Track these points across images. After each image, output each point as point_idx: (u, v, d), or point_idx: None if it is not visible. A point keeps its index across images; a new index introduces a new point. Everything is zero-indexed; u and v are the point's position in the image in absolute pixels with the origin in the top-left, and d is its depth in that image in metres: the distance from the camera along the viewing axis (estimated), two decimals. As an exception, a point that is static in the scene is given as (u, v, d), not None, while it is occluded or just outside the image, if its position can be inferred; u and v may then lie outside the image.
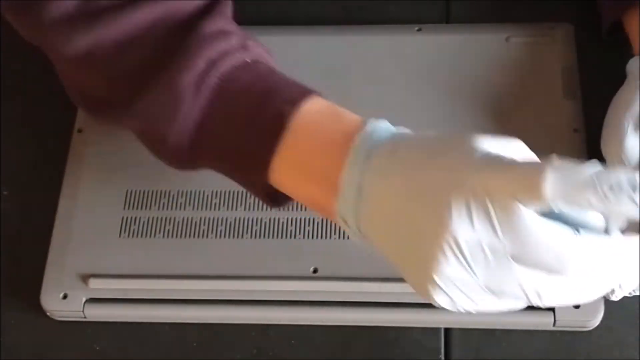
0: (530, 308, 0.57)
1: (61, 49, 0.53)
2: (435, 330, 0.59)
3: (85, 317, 0.60)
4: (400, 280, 0.59)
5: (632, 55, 0.62)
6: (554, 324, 0.57)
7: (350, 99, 0.66)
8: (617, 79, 0.64)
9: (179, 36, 0.51)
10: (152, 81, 0.51)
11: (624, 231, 0.41)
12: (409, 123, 0.65)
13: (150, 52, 0.52)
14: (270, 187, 0.50)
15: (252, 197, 0.62)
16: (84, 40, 0.52)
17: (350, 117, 0.49)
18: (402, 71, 0.67)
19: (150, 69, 0.51)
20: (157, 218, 0.62)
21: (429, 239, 0.41)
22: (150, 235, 0.61)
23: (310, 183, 0.48)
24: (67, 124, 0.67)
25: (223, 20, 0.53)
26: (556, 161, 0.39)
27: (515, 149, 0.42)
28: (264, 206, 0.61)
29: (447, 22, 0.72)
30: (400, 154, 0.44)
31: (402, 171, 0.43)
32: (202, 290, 0.59)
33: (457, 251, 0.40)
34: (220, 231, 0.61)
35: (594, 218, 0.41)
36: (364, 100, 0.66)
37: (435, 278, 0.41)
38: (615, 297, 0.49)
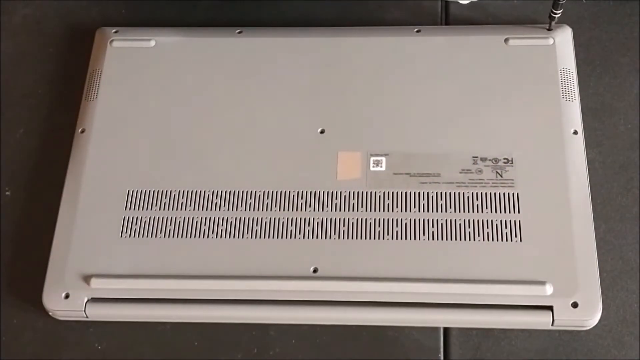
0: (529, 308, 0.57)
1: None
2: (435, 330, 0.60)
3: (86, 317, 0.60)
4: (400, 280, 0.60)
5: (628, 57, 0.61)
6: (552, 324, 0.57)
7: (350, 100, 0.67)
8: (616, 80, 0.65)
9: None
10: None
11: None
12: (408, 122, 0.66)
13: None
14: None
15: (252, 197, 0.62)
16: None
17: None
18: (402, 72, 0.67)
19: None
20: (158, 218, 0.62)
21: None
22: (151, 236, 0.61)
23: None
24: (69, 124, 0.68)
25: None
26: None
27: None
28: (264, 206, 0.62)
29: (447, 23, 0.72)
30: None
31: None
32: (203, 290, 0.59)
33: None
34: (221, 231, 0.61)
35: None
36: (364, 101, 0.66)
37: None
38: None
